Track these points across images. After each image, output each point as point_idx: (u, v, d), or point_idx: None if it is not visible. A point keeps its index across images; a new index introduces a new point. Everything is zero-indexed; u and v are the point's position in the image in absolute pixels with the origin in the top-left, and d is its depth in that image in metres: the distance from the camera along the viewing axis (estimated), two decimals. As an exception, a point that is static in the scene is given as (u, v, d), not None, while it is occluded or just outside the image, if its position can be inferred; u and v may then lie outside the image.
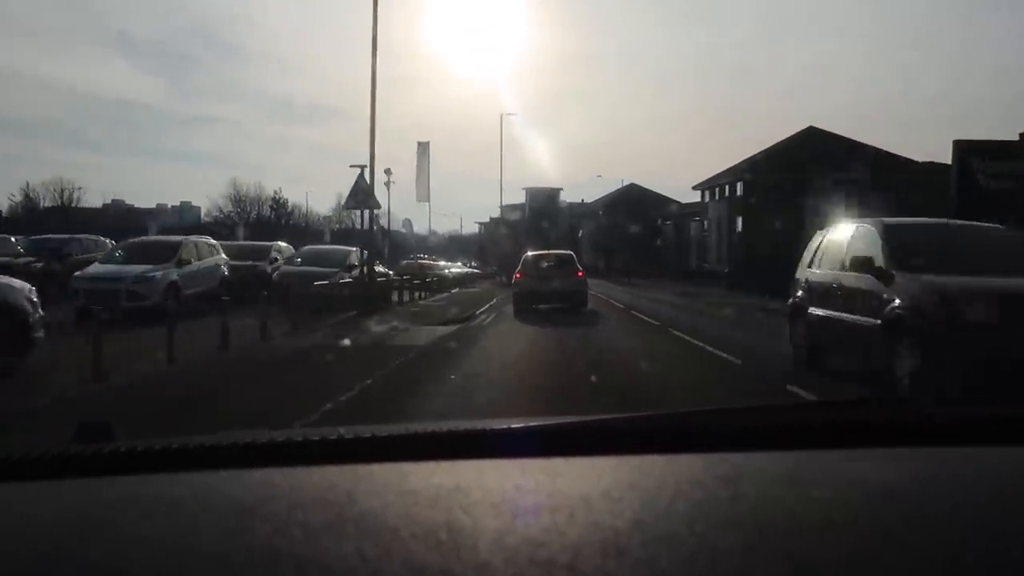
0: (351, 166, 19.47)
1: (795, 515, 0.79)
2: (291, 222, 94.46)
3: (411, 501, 0.82)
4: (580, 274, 19.78)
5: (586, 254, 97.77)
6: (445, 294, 31.13)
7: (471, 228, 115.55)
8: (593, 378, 8.79)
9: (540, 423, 1.09)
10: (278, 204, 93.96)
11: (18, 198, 66.62)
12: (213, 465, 0.99)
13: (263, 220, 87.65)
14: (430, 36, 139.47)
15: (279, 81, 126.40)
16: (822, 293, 9.48)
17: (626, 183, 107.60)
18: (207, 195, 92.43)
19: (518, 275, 19.63)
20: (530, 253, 21.09)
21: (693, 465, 0.96)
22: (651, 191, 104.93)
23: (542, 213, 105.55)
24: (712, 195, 58.10)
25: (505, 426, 1.11)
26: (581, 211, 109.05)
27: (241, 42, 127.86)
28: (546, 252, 21.69)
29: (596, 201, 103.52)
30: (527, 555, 0.67)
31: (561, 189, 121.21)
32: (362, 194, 18.71)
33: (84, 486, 0.95)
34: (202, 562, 0.70)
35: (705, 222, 59.61)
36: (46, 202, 68.74)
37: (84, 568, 0.70)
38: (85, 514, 0.84)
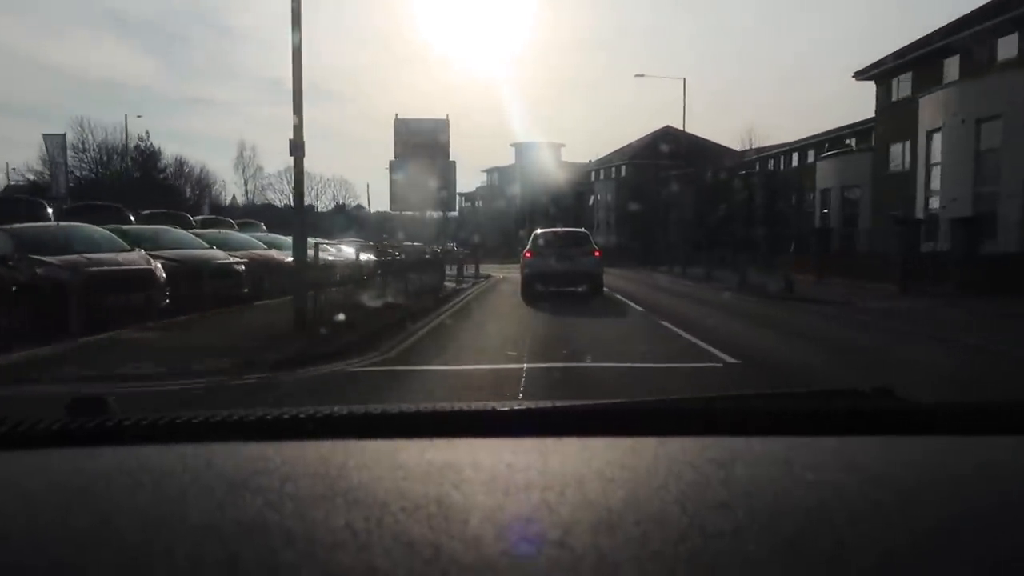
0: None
1: (788, 498, 0.79)
2: (166, 180, 64.80)
3: (402, 476, 0.83)
4: (596, 253, 17.56)
5: (603, 231, 66.82)
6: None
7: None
8: None
9: (533, 405, 1.10)
10: (144, 156, 62.99)
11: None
12: (204, 439, 0.98)
13: (122, 176, 58.26)
14: (426, 20, 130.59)
15: (274, 63, 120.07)
16: None
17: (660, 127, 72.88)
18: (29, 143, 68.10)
19: (527, 254, 17.51)
20: (540, 230, 18.75)
21: (686, 447, 0.95)
22: (695, 136, 70.97)
23: (537, 176, 75.76)
24: (932, 72, 25.37)
25: (497, 407, 1.10)
26: (586, 173, 76.98)
27: (235, 23, 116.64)
28: (558, 229, 19.93)
29: (611, 155, 71.63)
30: (518, 531, 0.68)
31: (563, 145, 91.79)
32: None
33: (73, 456, 0.94)
34: (190, 532, 0.69)
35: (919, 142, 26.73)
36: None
37: (71, 535, 0.70)
38: (73, 483, 0.84)
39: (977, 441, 1.03)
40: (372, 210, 76.76)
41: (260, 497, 0.76)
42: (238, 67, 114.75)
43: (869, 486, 0.83)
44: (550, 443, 0.97)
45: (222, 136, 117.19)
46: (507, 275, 28.82)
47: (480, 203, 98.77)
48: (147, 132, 64.00)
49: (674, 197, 49.69)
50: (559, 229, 20.26)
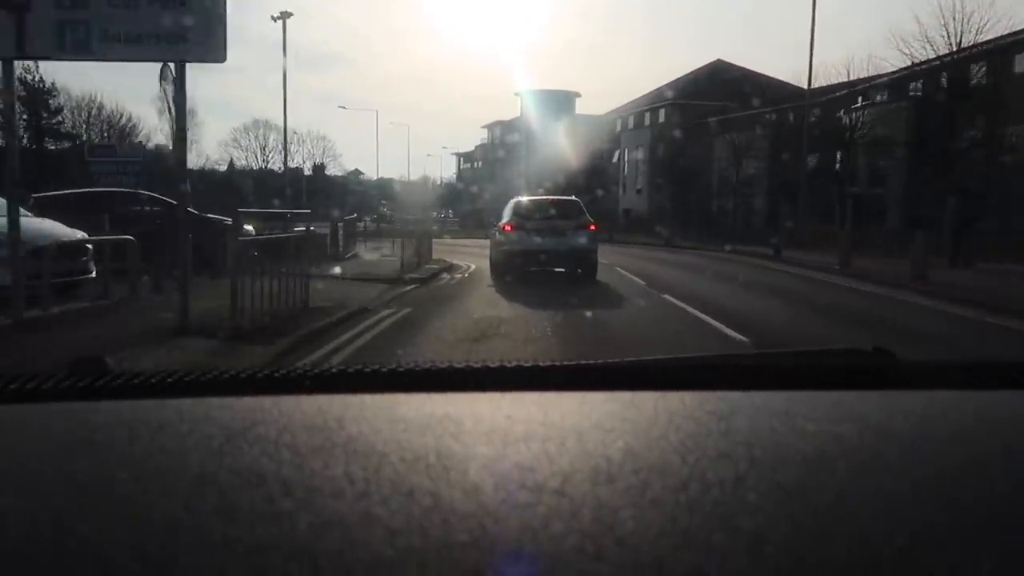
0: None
1: (789, 448, 0.79)
2: (61, 126, 50.06)
3: (401, 428, 0.83)
4: (591, 227, 14.17)
5: (632, 196, 51.28)
6: None
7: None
8: None
9: (533, 363, 1.10)
10: (32, 92, 47.93)
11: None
12: (202, 394, 0.99)
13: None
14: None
15: (287, 29, 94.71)
16: None
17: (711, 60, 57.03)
18: None
19: (507, 227, 13.99)
20: (522, 198, 16.00)
21: (686, 401, 0.96)
22: (755, 72, 54.60)
23: (546, 130, 60.54)
24: None
25: (497, 363, 1.10)
26: (607, 125, 61.27)
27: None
28: (544, 197, 17.43)
29: (643, 98, 55.76)
30: (517, 480, 0.69)
31: (578, 95, 75.73)
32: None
33: (70, 409, 0.95)
34: (186, 481, 0.70)
35: None
36: None
37: (68, 485, 0.71)
38: (70, 435, 0.85)
39: (979, 395, 1.04)
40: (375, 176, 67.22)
41: (257, 447, 0.76)
42: (247, 32, 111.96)
43: (870, 437, 0.83)
44: (550, 397, 0.98)
45: (227, 101, 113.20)
46: (481, 265, 16.35)
47: (479, 164, 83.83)
48: (36, 63, 48.13)
49: (750, 146, 33.70)
50: (545, 197, 17.72)
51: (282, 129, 71.77)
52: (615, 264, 17.41)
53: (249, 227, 12.89)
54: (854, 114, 27.48)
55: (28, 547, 0.59)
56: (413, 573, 0.54)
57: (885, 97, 28.22)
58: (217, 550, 0.57)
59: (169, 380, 1.02)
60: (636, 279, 14.16)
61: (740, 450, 0.77)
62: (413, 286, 12.56)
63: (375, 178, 75.83)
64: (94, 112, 52.20)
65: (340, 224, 18.73)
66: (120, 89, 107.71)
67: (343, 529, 0.60)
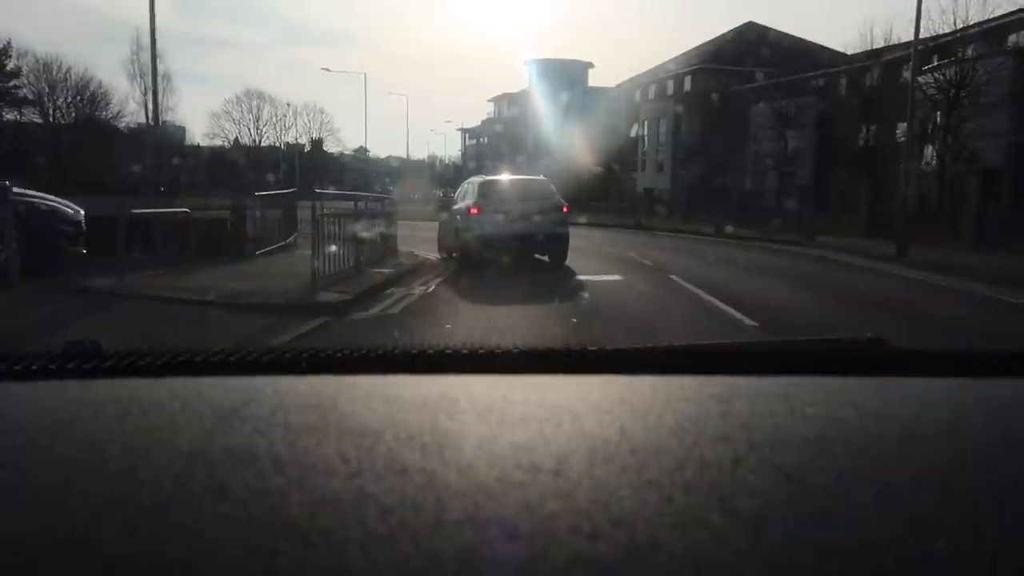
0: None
1: (787, 431, 0.79)
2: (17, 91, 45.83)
3: (396, 408, 0.83)
4: (565, 209, 13.32)
5: (653, 173, 46.10)
6: None
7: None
8: None
9: (532, 347, 1.10)
10: None
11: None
12: (196, 374, 0.99)
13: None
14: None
15: (293, 5, 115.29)
16: None
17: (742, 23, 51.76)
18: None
19: (473, 210, 12.79)
20: (488, 178, 14.70)
21: (685, 385, 0.96)
22: (792, 36, 49.23)
23: (557, 102, 55.39)
24: None
25: (493, 347, 1.10)
26: (623, 96, 55.92)
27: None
28: (513, 177, 15.34)
29: (665, 65, 50.33)
30: (512, 460, 0.68)
31: (591, 65, 70.03)
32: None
33: (61, 388, 0.95)
34: (178, 458, 0.70)
35: None
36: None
37: (58, 462, 0.71)
38: (63, 414, 0.84)
39: (975, 383, 1.04)
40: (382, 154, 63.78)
41: (249, 426, 0.76)
42: (257, 8, 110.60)
43: (869, 421, 0.83)
44: (547, 379, 0.98)
45: (239, 78, 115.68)
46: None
47: (485, 140, 78.40)
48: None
49: (802, 114, 28.38)
50: (514, 177, 15.52)
51: (278, 102, 66.42)
52: (666, 269, 12.47)
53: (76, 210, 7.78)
54: (961, 67, 22.15)
55: (19, 525, 0.58)
56: (406, 550, 0.54)
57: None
58: (209, 527, 0.57)
59: (162, 360, 1.00)
60: (722, 305, 8.53)
61: (738, 432, 0.76)
62: (316, 322, 6.76)
63: (383, 156, 72.12)
64: (59, 77, 46.84)
65: (247, 207, 13.13)
66: (90, 55, 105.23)
67: (336, 506, 0.59)
